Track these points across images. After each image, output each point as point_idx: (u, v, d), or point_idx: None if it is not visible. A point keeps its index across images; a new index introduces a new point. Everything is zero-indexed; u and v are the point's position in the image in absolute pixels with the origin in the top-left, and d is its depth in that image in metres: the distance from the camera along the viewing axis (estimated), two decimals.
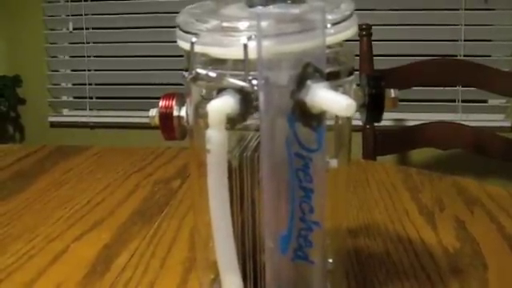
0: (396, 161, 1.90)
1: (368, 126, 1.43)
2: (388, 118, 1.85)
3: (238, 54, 0.38)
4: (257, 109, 0.38)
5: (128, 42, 2.17)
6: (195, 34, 0.41)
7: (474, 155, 1.48)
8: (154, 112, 0.48)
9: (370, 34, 1.47)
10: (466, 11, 1.94)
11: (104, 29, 2.19)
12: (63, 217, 0.76)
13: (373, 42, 1.48)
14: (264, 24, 0.37)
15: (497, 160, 1.47)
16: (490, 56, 1.99)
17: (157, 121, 0.47)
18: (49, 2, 2.20)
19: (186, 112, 0.46)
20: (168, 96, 0.47)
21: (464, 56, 1.93)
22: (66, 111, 2.31)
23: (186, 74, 0.42)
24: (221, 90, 0.38)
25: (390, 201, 0.79)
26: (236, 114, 0.37)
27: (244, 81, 0.38)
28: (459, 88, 1.94)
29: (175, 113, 0.46)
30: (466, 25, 1.94)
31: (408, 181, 0.87)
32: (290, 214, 0.40)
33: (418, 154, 1.84)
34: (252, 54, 0.37)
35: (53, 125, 2.28)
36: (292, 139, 0.38)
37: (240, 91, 0.38)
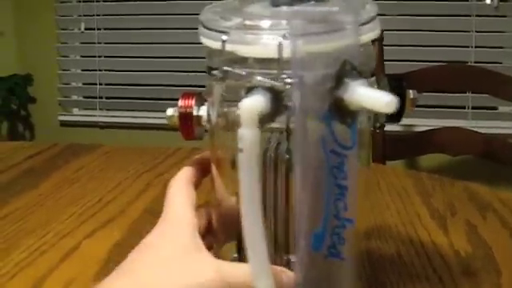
0: (405, 166, 1.89)
1: (378, 131, 1.43)
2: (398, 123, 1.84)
3: (271, 52, 0.38)
4: (286, 108, 0.38)
5: (139, 42, 2.17)
6: (225, 33, 0.40)
7: (484, 161, 1.48)
8: (171, 111, 0.47)
9: (382, 39, 1.46)
10: (477, 18, 1.93)
11: (115, 29, 2.19)
12: (75, 214, 0.76)
13: (384, 47, 1.48)
14: (298, 23, 0.37)
15: (507, 166, 1.47)
16: (500, 63, 1.99)
17: (176, 120, 0.47)
18: (61, 2, 2.21)
19: (208, 112, 0.46)
20: (187, 95, 0.47)
21: (475, 62, 1.93)
22: (76, 110, 2.32)
23: (214, 72, 0.41)
24: (250, 89, 0.38)
25: (401, 204, 0.79)
26: (266, 114, 0.37)
27: (276, 80, 0.38)
28: (469, 94, 1.93)
29: (195, 112, 0.46)
30: (476, 31, 1.94)
31: (419, 185, 0.87)
32: (324, 211, 0.40)
33: (428, 160, 1.83)
34: (286, 53, 0.37)
35: (63, 124, 2.29)
36: (328, 137, 0.38)
37: (270, 90, 0.38)
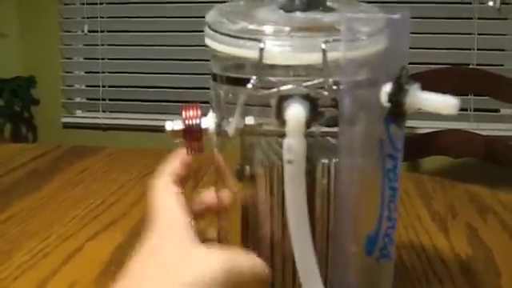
0: (407, 168, 1.89)
1: None
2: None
3: (315, 58, 0.38)
4: (323, 115, 0.38)
5: (142, 45, 2.18)
6: (259, 41, 0.39)
7: (486, 163, 1.48)
8: (172, 125, 0.45)
9: None
10: (479, 20, 1.94)
11: (118, 32, 2.20)
12: (78, 216, 0.77)
13: None
14: (347, 29, 0.37)
15: (509, 169, 1.47)
16: (502, 65, 1.99)
17: (179, 135, 0.45)
18: (65, 4, 2.22)
19: (219, 122, 0.45)
20: (190, 107, 0.46)
21: (477, 65, 1.93)
22: (79, 112, 2.33)
23: (252, 81, 0.39)
24: (283, 98, 0.38)
25: (402, 207, 0.79)
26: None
27: (322, 87, 0.38)
28: (471, 97, 1.93)
29: (203, 125, 0.45)
30: (478, 34, 1.94)
31: (420, 187, 0.87)
32: (379, 214, 0.40)
33: (430, 162, 1.83)
34: (329, 59, 0.38)
35: (66, 126, 2.29)
36: (386, 140, 0.39)
37: (307, 98, 0.38)
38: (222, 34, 0.42)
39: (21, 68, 2.28)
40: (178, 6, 2.11)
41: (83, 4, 2.19)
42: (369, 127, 0.40)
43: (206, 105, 0.46)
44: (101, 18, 2.18)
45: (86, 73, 2.30)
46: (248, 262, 0.40)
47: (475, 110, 1.96)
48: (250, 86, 0.39)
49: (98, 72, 2.23)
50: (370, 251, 0.41)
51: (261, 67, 0.39)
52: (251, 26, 0.41)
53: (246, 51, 0.40)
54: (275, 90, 0.39)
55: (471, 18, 1.94)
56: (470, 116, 1.96)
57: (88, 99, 2.32)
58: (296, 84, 0.39)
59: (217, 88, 0.44)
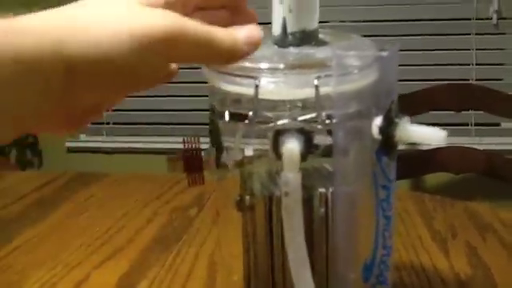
0: (410, 185, 1.90)
1: None
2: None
3: (308, 93, 0.40)
4: (317, 148, 0.40)
5: None
6: (255, 78, 0.41)
7: (488, 179, 1.49)
8: (172, 157, 0.48)
9: None
10: (477, 36, 1.96)
11: None
12: (83, 244, 0.78)
13: None
14: (339, 63, 0.39)
15: (510, 184, 1.48)
16: (502, 79, 2.00)
17: (179, 167, 0.48)
18: None
19: (218, 154, 0.46)
20: (190, 139, 0.48)
21: (476, 80, 1.95)
22: (83, 136, 2.35)
23: (249, 116, 0.41)
24: (279, 132, 0.40)
25: (402, 226, 0.80)
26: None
27: (315, 121, 0.40)
28: (472, 112, 1.95)
29: (203, 157, 0.47)
30: (477, 49, 1.96)
31: (421, 206, 0.89)
32: (374, 242, 0.42)
33: (432, 178, 1.84)
34: (322, 93, 0.39)
35: (70, 150, 2.31)
36: (379, 172, 0.41)
37: (302, 132, 0.40)
38: (219, 71, 0.44)
39: None
40: None
41: None
42: (362, 157, 0.42)
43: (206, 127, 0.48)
44: None
45: None
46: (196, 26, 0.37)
47: (476, 124, 1.97)
48: (246, 121, 0.41)
49: None
50: (367, 278, 0.42)
51: (257, 103, 0.41)
52: (247, 64, 0.43)
53: (242, 88, 0.42)
54: (271, 124, 0.41)
55: (469, 34, 1.96)
56: (471, 130, 1.98)
57: (92, 123, 2.34)
58: (291, 118, 0.41)
59: (215, 121, 0.46)
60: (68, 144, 2.31)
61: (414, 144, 1.83)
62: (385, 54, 0.41)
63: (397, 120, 0.39)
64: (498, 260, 0.69)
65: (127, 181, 1.08)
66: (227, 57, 0.38)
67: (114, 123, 2.26)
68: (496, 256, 0.70)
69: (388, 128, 0.39)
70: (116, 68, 0.34)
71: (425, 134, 0.38)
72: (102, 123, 2.27)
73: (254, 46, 0.39)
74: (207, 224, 0.83)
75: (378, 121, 0.40)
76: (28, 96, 0.32)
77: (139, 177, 1.12)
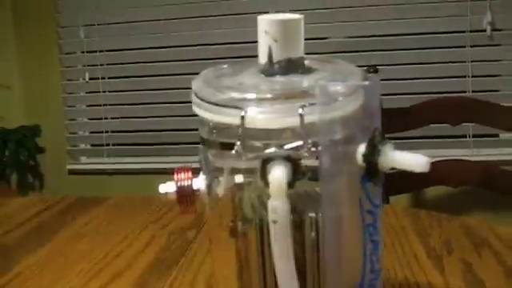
0: (409, 199, 1.91)
1: None
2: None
3: (293, 122, 0.41)
4: (304, 175, 0.41)
5: (142, 89, 2.22)
6: (241, 109, 0.42)
7: (486, 192, 1.50)
8: (165, 188, 0.49)
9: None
10: (472, 48, 1.97)
11: (119, 78, 2.25)
12: (83, 270, 0.79)
13: (381, 82, 1.51)
14: (326, 92, 0.40)
15: (508, 196, 1.48)
16: (498, 91, 2.02)
17: (172, 196, 0.49)
18: (66, 54, 2.27)
19: (209, 184, 0.47)
20: (181, 170, 0.49)
21: (472, 91, 1.96)
22: (83, 159, 2.36)
23: (237, 145, 0.42)
24: (266, 160, 0.41)
25: (398, 244, 0.81)
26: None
27: (302, 149, 0.41)
28: (470, 124, 1.96)
29: (195, 187, 0.48)
30: (472, 61, 1.97)
31: (417, 223, 0.89)
32: (362, 267, 0.43)
33: (431, 191, 1.85)
34: (307, 121, 0.40)
35: (71, 172, 2.33)
36: (365, 198, 0.42)
37: (289, 159, 0.41)
38: (208, 102, 0.45)
39: (25, 118, 2.32)
40: (177, 50, 2.15)
41: (83, 52, 2.24)
42: (348, 182, 0.43)
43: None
44: (100, 65, 2.23)
45: (88, 119, 2.34)
46: None
47: (474, 135, 1.98)
48: (233, 152, 0.42)
49: (101, 118, 2.27)
50: None
51: (244, 132, 0.42)
52: (234, 95, 0.44)
53: (230, 118, 0.43)
54: (258, 153, 0.42)
55: (464, 47, 1.98)
56: (470, 142, 1.98)
57: (92, 145, 2.36)
58: (278, 147, 0.42)
59: (205, 151, 0.47)
60: (69, 166, 2.32)
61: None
62: (366, 83, 0.42)
63: (380, 147, 0.40)
64: (493, 276, 0.70)
65: (126, 204, 1.09)
66: None
67: (113, 144, 2.27)
68: (491, 272, 0.71)
69: (371, 155, 0.40)
70: None
71: (408, 161, 0.39)
72: (102, 145, 2.28)
73: None
74: (205, 246, 0.83)
75: (362, 148, 0.41)
76: None
77: (138, 199, 1.13)
